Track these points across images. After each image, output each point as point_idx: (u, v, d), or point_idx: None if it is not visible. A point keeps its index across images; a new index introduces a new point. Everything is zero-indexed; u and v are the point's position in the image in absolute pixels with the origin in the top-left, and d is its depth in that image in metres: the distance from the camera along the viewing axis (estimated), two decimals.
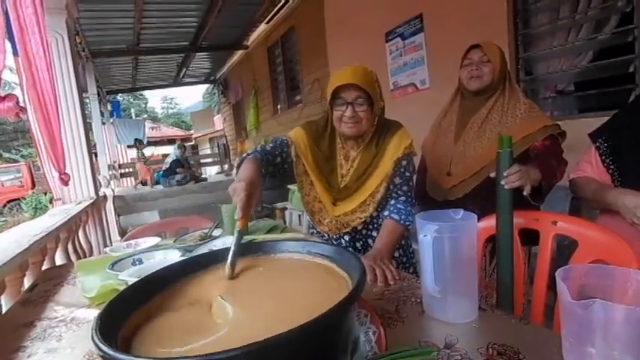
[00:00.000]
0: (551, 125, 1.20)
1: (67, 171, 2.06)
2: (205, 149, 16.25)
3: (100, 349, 0.37)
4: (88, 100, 6.03)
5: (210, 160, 9.70)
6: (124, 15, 4.55)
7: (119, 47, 5.62)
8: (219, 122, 11.17)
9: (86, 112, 5.58)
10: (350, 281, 0.54)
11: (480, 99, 1.29)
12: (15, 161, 15.22)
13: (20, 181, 12.38)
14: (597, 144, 1.02)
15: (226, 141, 8.73)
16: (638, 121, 0.95)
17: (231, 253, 0.64)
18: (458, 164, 1.29)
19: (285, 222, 4.48)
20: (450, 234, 0.60)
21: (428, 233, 0.58)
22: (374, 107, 1.06)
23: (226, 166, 8.33)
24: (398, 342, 0.57)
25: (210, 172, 9.59)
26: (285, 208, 4.49)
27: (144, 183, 7.38)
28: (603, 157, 0.99)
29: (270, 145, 1.14)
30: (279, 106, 6.09)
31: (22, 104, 1.92)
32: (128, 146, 10.31)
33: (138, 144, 6.96)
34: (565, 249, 1.10)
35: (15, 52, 1.93)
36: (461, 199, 1.26)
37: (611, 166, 0.97)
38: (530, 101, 1.28)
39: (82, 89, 3.05)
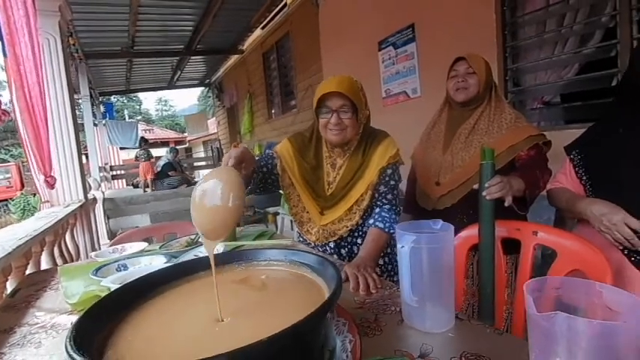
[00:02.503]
0: (537, 135, 1.22)
1: (54, 174, 2.04)
2: (199, 152, 16.19)
3: (72, 358, 0.37)
4: (80, 102, 5.98)
5: (203, 163, 9.68)
6: (118, 17, 4.55)
7: (113, 49, 5.61)
8: (214, 126, 11.16)
9: (78, 113, 5.55)
10: (327, 291, 0.55)
11: (467, 110, 1.32)
12: (4, 161, 14.98)
13: (9, 182, 12.19)
14: (571, 156, 1.05)
15: (220, 144, 8.72)
16: (607, 136, 0.98)
17: None
18: (446, 174, 1.31)
19: (276, 227, 4.47)
20: (428, 245, 0.61)
21: (405, 244, 0.60)
22: (359, 115, 1.08)
23: None
24: (375, 351, 0.58)
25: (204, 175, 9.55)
26: (277, 213, 4.48)
27: (135, 185, 7.33)
28: (577, 169, 1.03)
29: (257, 157, 1.16)
30: (273, 111, 6.11)
31: (10, 105, 1.92)
32: (121, 148, 10.25)
33: (143, 143, 6.96)
34: (548, 258, 1.13)
35: (5, 54, 1.92)
36: (449, 209, 1.28)
37: (584, 177, 1.00)
38: (517, 112, 1.30)
39: (73, 91, 3.03)
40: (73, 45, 4.28)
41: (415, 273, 0.61)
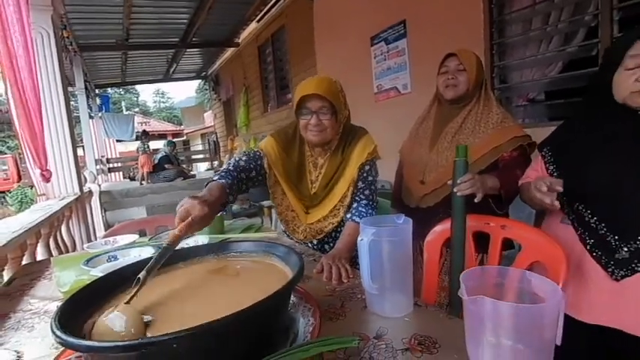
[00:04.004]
0: (521, 136, 1.22)
1: (50, 167, 2.08)
2: (197, 145, 16.18)
3: (54, 333, 0.43)
4: (75, 94, 5.98)
5: (201, 156, 9.71)
6: (113, 10, 4.53)
7: (108, 42, 5.59)
8: (210, 118, 11.15)
9: (73, 106, 5.55)
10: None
11: (456, 107, 1.31)
12: (1, 153, 14.96)
13: (6, 174, 12.20)
14: (543, 153, 1.09)
15: (216, 137, 8.73)
16: (576, 133, 1.03)
17: (150, 264, 0.61)
18: (431, 173, 1.31)
19: (271, 220, 4.53)
20: (387, 238, 0.67)
21: (365, 237, 0.65)
22: (338, 116, 1.12)
23: (216, 163, 8.36)
24: (336, 333, 0.64)
25: (202, 168, 9.59)
26: (272, 207, 4.53)
27: (132, 178, 7.37)
28: (547, 165, 1.06)
29: (244, 159, 1.14)
30: (269, 105, 6.12)
31: (4, 97, 1.94)
32: (117, 140, 10.24)
33: (143, 137, 7.00)
34: None
35: None
36: (432, 207, 1.29)
37: (554, 174, 1.04)
38: (504, 111, 1.29)
39: (67, 84, 3.05)
40: (67, 38, 4.28)
41: (375, 263, 0.67)
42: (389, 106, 3.17)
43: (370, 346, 0.59)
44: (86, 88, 6.30)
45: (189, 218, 0.75)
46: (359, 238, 0.67)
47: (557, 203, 0.89)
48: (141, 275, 0.58)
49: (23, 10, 1.97)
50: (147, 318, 0.51)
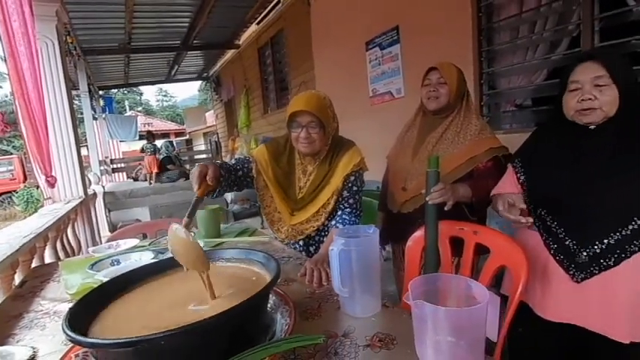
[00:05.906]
0: (497, 147, 1.30)
1: (55, 173, 2.18)
2: (200, 145, 16.31)
3: (65, 333, 0.52)
4: (79, 97, 6.09)
5: (204, 156, 9.82)
6: (115, 15, 4.63)
7: (111, 46, 5.69)
8: (212, 118, 11.26)
9: (77, 108, 5.67)
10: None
11: (438, 118, 1.39)
12: (6, 153, 15.19)
13: (12, 174, 12.38)
14: (514, 164, 1.16)
15: (218, 138, 8.84)
16: (542, 145, 1.11)
17: (189, 209, 0.88)
18: (412, 181, 1.38)
19: None
20: (355, 247, 0.76)
21: (335, 247, 0.74)
22: (326, 129, 1.21)
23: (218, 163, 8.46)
24: (310, 331, 0.72)
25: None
26: None
27: (135, 178, 7.49)
28: (518, 175, 1.14)
29: (233, 161, 1.30)
30: (269, 106, 6.21)
31: (10, 98, 2.04)
32: (120, 141, 10.39)
33: (150, 138, 7.12)
34: None
35: (4, 59, 2.05)
36: (412, 213, 1.37)
37: (525, 184, 1.12)
38: (483, 122, 1.37)
39: (72, 89, 3.14)
40: (71, 43, 4.37)
41: (345, 269, 0.75)
42: (383, 109, 3.25)
43: (337, 343, 0.68)
44: (90, 90, 6.41)
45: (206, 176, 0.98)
46: (330, 248, 0.75)
47: (523, 220, 0.98)
48: (185, 219, 0.83)
49: (28, 23, 2.06)
50: None
